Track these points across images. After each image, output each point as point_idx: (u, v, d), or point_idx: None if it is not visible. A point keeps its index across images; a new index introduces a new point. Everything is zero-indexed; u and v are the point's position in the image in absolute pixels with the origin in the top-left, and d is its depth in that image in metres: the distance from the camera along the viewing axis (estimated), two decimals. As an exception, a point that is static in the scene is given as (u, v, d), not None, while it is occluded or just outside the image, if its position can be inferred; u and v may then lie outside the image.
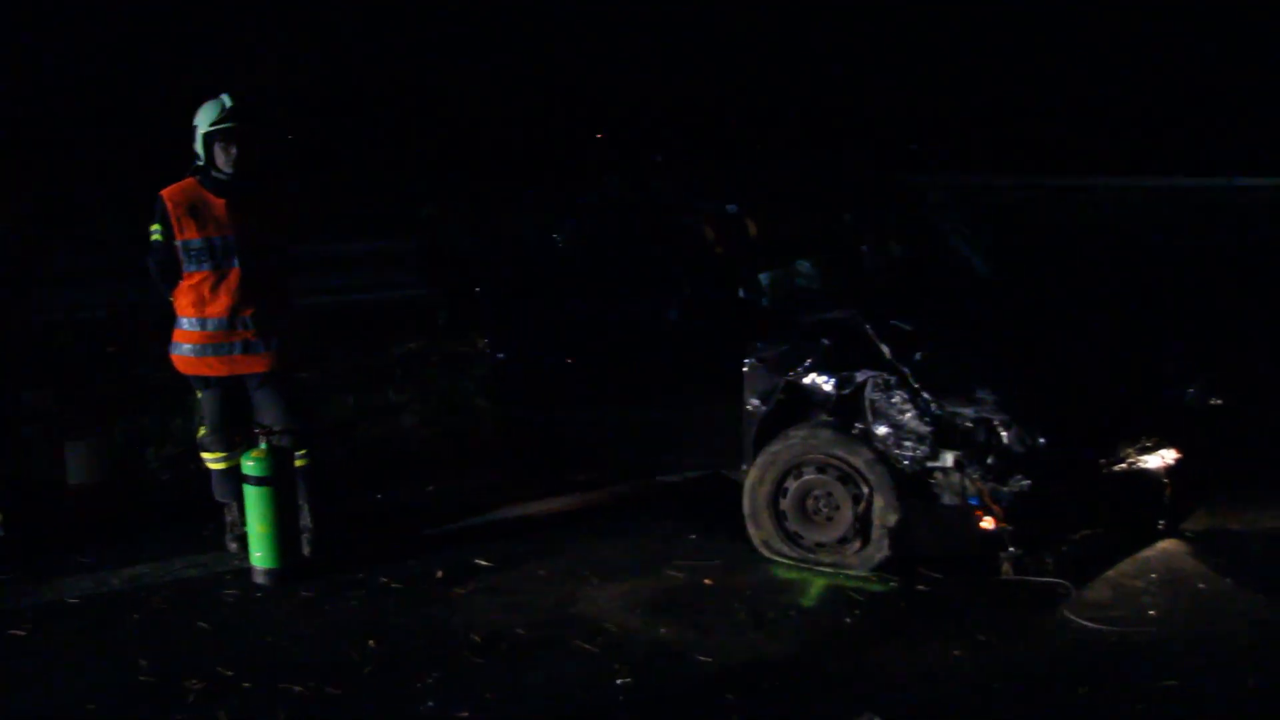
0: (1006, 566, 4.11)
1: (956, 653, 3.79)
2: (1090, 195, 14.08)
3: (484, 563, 4.61)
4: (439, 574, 4.48)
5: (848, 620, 4.02)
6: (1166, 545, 4.59)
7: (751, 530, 4.52)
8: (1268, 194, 13.64)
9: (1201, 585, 4.25)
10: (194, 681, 3.57)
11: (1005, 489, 3.98)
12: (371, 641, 3.85)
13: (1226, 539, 4.69)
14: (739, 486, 4.60)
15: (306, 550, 4.62)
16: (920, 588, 4.24)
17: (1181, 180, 14.69)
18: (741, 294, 4.88)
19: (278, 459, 4.35)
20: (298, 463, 4.58)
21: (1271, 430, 5.28)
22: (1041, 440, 4.02)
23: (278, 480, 4.33)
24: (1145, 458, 4.53)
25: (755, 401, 4.51)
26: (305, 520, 4.67)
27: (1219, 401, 4.87)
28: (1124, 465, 4.48)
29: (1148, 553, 4.52)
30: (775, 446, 4.43)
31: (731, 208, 5.20)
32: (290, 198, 5.03)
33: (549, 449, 5.57)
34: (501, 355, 5.61)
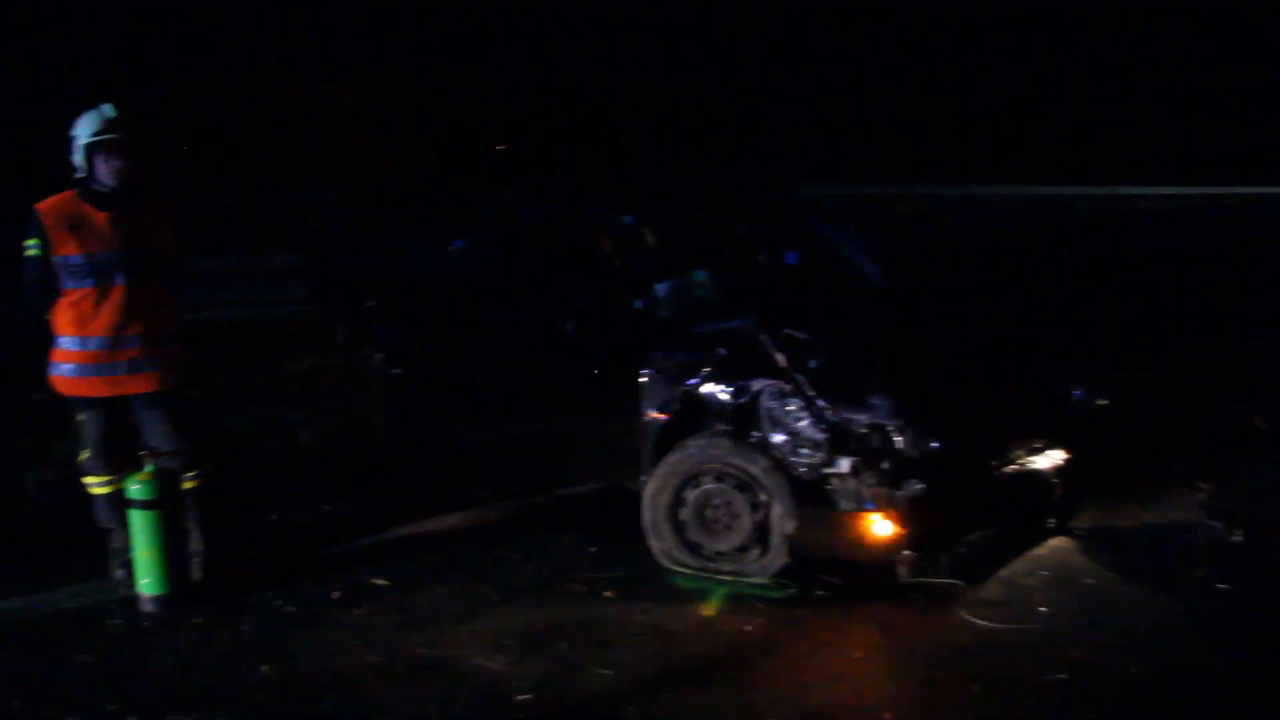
0: (903, 569, 4.15)
1: (856, 655, 3.84)
2: (982, 204, 14.44)
3: (382, 582, 4.52)
4: (336, 595, 4.39)
5: (749, 628, 4.03)
6: (1057, 543, 4.71)
7: (652, 542, 4.51)
8: (1152, 203, 14.21)
9: (1089, 581, 4.37)
10: None
11: (900, 493, 4.03)
12: (265, 667, 3.74)
13: (1112, 535, 4.83)
14: (639, 498, 4.58)
15: (197, 575, 4.47)
16: (819, 592, 4.27)
17: (1067, 189, 15.17)
18: (638, 305, 4.87)
19: (164, 481, 4.21)
20: (187, 484, 4.44)
21: (1152, 429, 5.46)
22: (934, 444, 4.09)
23: (165, 503, 4.19)
24: (1035, 459, 4.64)
25: (653, 412, 4.50)
26: (196, 544, 4.53)
27: (1105, 402, 5.03)
28: (1015, 466, 4.59)
29: (1039, 551, 4.63)
30: (673, 457, 4.42)
31: (629, 218, 5.19)
32: (176, 210, 4.85)
33: (448, 465, 5.48)
34: (398, 370, 5.51)
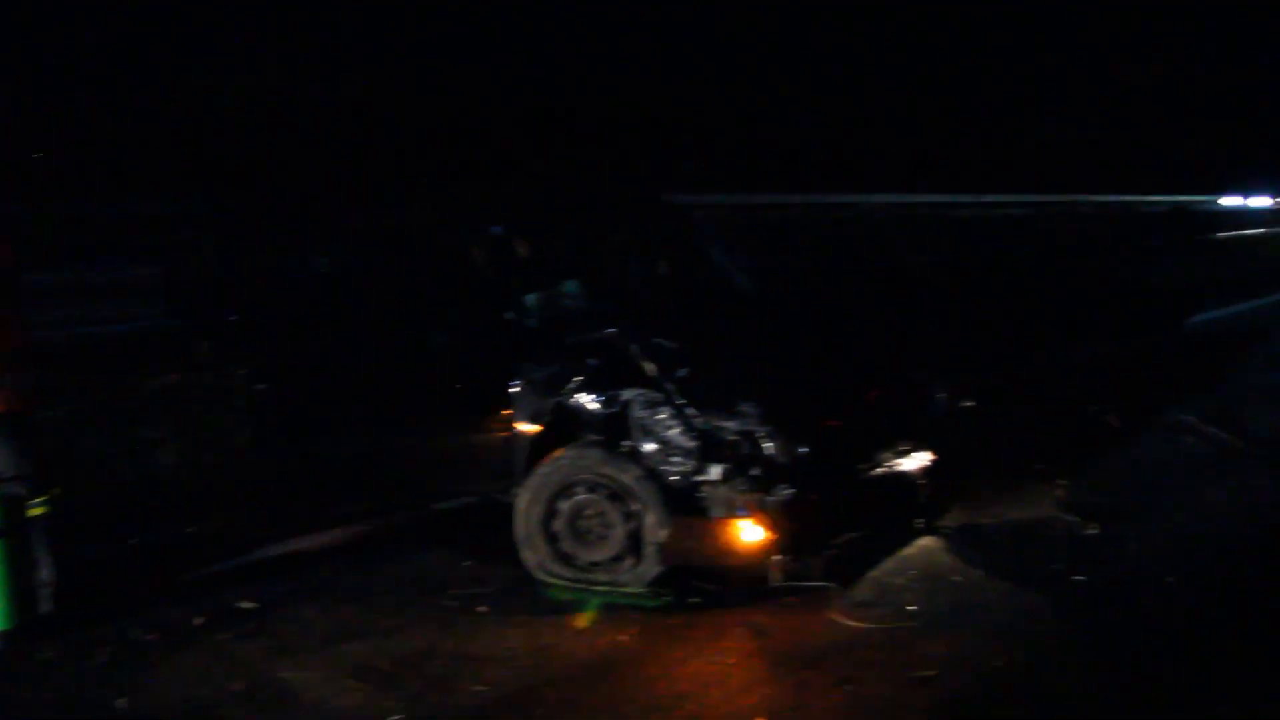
0: (775, 573, 4.20)
1: (730, 660, 3.85)
2: (848, 211, 14.73)
3: (248, 605, 4.38)
4: (198, 621, 4.23)
5: (623, 638, 4.01)
6: (925, 542, 4.82)
7: (526, 554, 4.46)
8: (1011, 210, 14.71)
9: (957, 578, 4.48)
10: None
11: (770, 498, 4.08)
12: (121, 700, 3.58)
13: (978, 533, 4.96)
14: (512, 511, 4.53)
15: (47, 606, 4.24)
16: (694, 600, 4.29)
17: (930, 197, 15.60)
18: (509, 316, 4.83)
19: (7, 509, 4.01)
20: (35, 511, 4.21)
21: (1012, 428, 5.64)
22: (803, 449, 4.14)
23: (6, 532, 4.00)
24: (902, 461, 4.75)
25: (525, 424, 4.47)
26: (46, 573, 4.29)
27: (969, 404, 5.17)
28: (883, 469, 4.68)
29: (908, 551, 4.73)
30: (545, 468, 4.39)
31: (497, 229, 5.15)
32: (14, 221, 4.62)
33: (316, 481, 5.35)
34: (263, 386, 5.36)
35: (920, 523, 4.88)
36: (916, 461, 4.79)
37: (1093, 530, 4.90)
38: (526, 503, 4.43)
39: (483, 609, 4.29)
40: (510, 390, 4.50)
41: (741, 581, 4.29)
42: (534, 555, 4.45)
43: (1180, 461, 5.98)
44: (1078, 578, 4.45)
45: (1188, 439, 6.24)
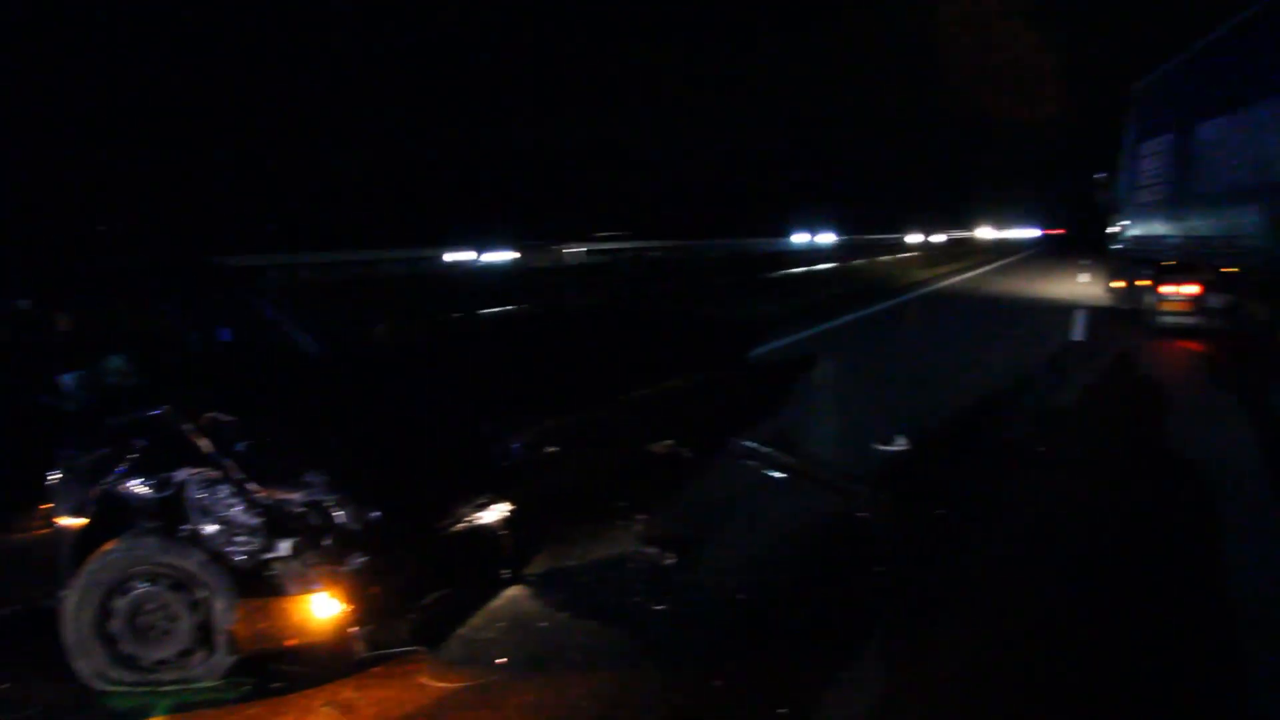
0: (358, 645, 4.07)
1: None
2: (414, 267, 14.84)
3: None
4: None
5: (198, 737, 3.73)
6: (512, 592, 4.85)
7: (79, 663, 4.02)
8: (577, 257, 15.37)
9: (544, 624, 4.54)
10: None
11: (344, 568, 3.95)
12: None
13: (564, 576, 5.07)
14: (58, 616, 4.07)
15: None
16: (276, 685, 4.05)
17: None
18: (44, 399, 4.38)
19: None
20: None
21: (591, 468, 5.84)
22: (375, 514, 4.05)
23: None
24: (482, 514, 4.77)
25: (68, 517, 4.05)
26: None
27: (552, 449, 5.29)
28: (463, 524, 4.67)
29: (495, 603, 4.74)
30: (95, 564, 4.00)
31: (23, 303, 4.67)
32: None
33: None
34: None
35: (506, 573, 4.92)
36: (496, 513, 4.83)
37: (670, 560, 5.15)
38: (75, 605, 4.00)
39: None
40: (49, 481, 4.07)
41: (325, 658, 4.12)
42: (89, 663, 4.02)
43: (746, 486, 6.44)
44: (658, 607, 4.67)
45: (752, 464, 6.73)
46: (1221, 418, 8.56)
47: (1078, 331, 14.88)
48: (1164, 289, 12.81)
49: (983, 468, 7.05)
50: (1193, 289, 12.36)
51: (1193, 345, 12.41)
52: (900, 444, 7.43)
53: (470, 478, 4.80)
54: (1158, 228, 14.29)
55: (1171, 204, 13.54)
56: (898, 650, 4.30)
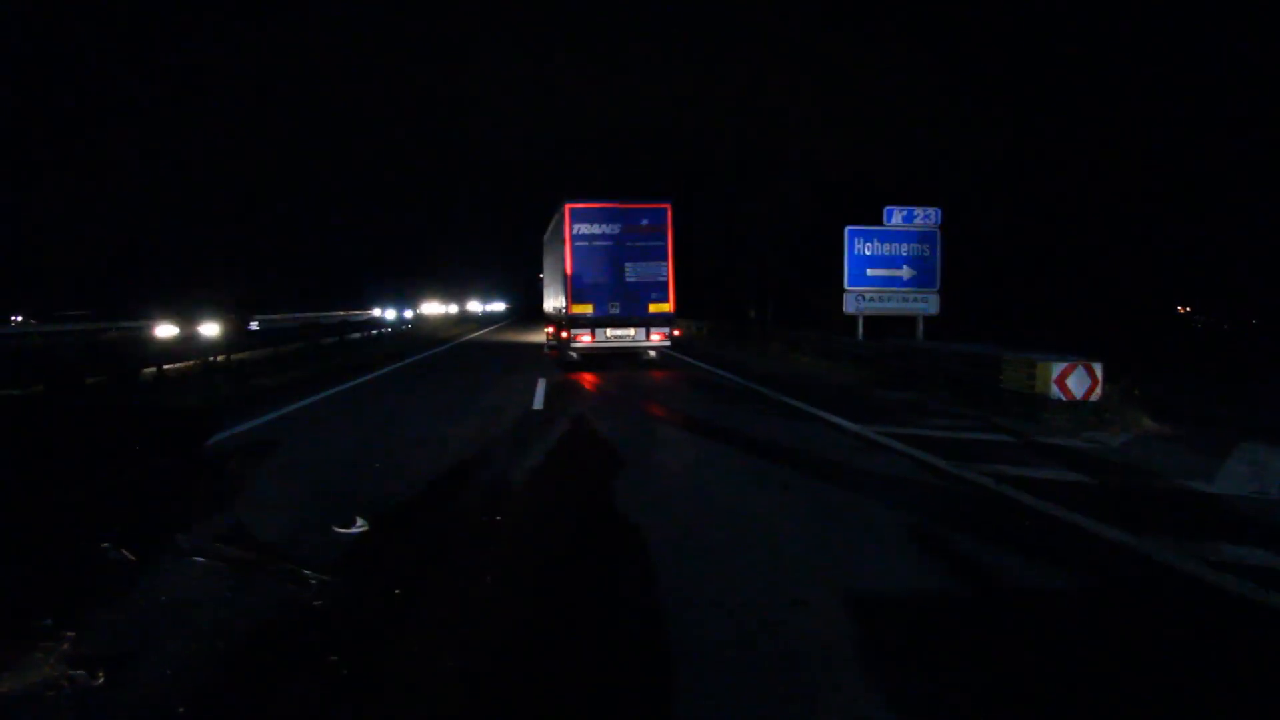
0: None
1: None
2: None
3: None
4: None
5: None
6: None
7: None
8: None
9: None
10: None
11: None
12: None
13: None
14: None
15: None
16: None
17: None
18: None
19: None
20: None
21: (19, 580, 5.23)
22: None
23: None
24: None
25: None
26: None
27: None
28: None
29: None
30: None
31: None
32: None
33: None
34: None
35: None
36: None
37: (99, 680, 4.73)
38: None
39: None
40: None
41: None
42: None
43: (196, 585, 6.07)
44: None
45: (201, 561, 6.39)
46: (658, 471, 9.48)
47: (538, 400, 15.86)
48: (567, 334, 21.83)
49: (442, 542, 7.19)
50: (585, 333, 21.62)
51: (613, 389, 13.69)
52: (360, 525, 7.42)
53: None
54: (557, 304, 24.72)
55: (555, 292, 25.10)
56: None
